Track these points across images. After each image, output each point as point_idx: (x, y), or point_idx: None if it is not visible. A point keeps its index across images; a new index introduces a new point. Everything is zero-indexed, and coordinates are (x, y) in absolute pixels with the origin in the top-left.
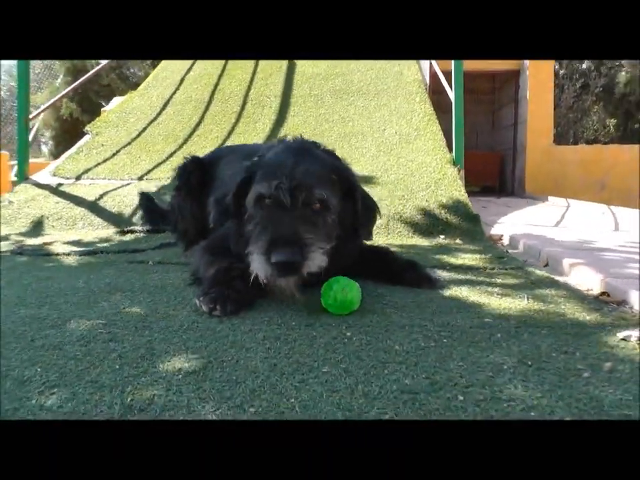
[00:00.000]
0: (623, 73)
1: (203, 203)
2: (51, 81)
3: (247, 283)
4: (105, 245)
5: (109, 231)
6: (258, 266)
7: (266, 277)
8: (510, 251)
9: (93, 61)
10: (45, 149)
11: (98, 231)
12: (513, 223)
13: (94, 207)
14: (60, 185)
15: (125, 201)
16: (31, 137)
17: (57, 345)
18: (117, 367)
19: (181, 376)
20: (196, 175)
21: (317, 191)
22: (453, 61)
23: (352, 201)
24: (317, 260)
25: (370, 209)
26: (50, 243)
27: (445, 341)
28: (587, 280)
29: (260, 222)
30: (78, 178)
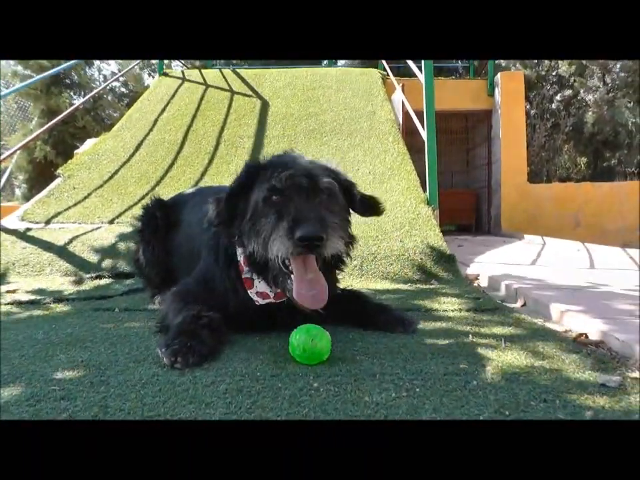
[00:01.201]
0: (590, 113)
1: (168, 247)
2: (24, 123)
3: (214, 331)
4: (72, 291)
5: (77, 277)
6: (279, 246)
7: (286, 255)
8: (487, 291)
9: (67, 102)
10: (18, 192)
11: (66, 277)
12: (489, 262)
13: (63, 252)
14: (28, 229)
15: (95, 245)
16: (3, 180)
17: (2, 407)
18: None
19: None
20: (159, 217)
21: (324, 180)
22: (424, 98)
23: (353, 197)
24: (337, 245)
25: (368, 201)
26: (13, 291)
27: (417, 390)
28: (567, 322)
29: (276, 212)
30: (48, 222)
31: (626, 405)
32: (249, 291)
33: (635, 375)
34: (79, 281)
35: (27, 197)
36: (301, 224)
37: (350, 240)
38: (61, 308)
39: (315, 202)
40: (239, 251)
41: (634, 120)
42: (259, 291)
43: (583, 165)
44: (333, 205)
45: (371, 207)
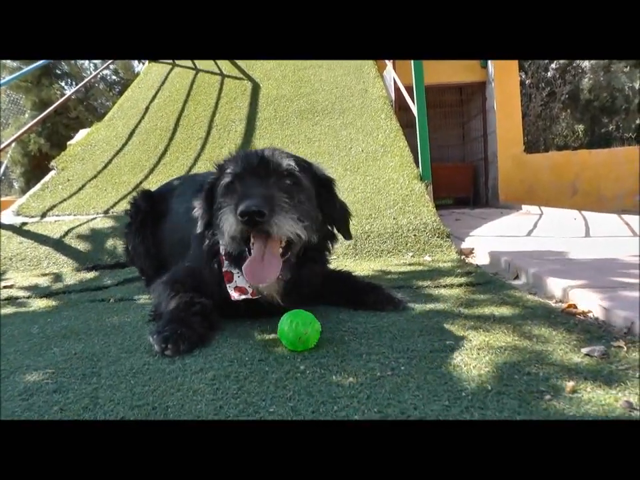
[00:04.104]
0: (586, 80)
1: (157, 238)
2: (17, 117)
3: (206, 318)
4: (68, 284)
5: (73, 269)
6: (226, 224)
7: (234, 233)
8: (480, 265)
9: (59, 93)
10: (16, 186)
11: (62, 270)
12: (484, 236)
13: (59, 245)
14: (24, 224)
15: (91, 236)
16: (0, 175)
17: None
18: None
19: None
20: (147, 209)
21: (285, 162)
22: (413, 74)
23: (329, 194)
24: (287, 225)
25: (343, 208)
26: (10, 286)
27: (402, 368)
28: (557, 293)
29: (231, 195)
30: (43, 215)
31: (607, 374)
32: (227, 285)
33: (619, 343)
34: (75, 273)
35: (24, 191)
36: (244, 200)
37: (319, 228)
38: (56, 301)
39: (267, 181)
40: (222, 242)
41: (630, 84)
42: (238, 285)
43: (580, 132)
44: (290, 187)
45: (342, 207)
